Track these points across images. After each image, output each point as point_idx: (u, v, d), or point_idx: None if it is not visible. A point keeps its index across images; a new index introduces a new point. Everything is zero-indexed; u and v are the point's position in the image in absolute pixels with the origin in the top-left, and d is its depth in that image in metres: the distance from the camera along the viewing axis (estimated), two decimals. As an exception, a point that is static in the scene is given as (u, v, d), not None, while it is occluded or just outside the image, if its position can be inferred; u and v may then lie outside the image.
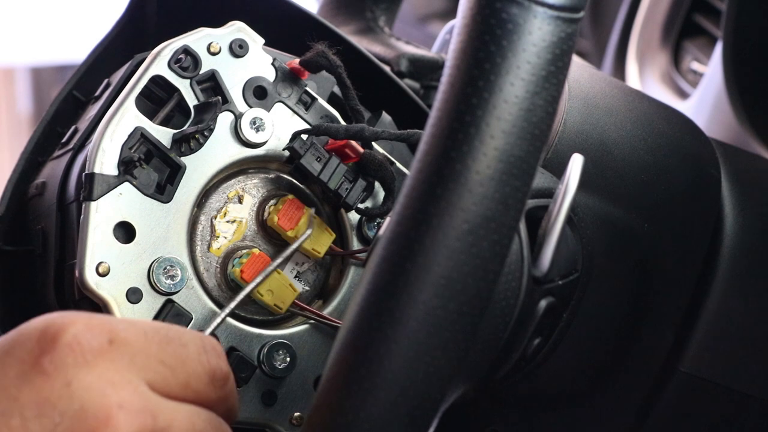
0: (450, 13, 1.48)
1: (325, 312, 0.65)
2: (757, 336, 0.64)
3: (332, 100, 0.67)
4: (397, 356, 0.46)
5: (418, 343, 0.46)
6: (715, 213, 0.64)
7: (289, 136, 0.64)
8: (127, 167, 0.61)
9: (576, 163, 0.55)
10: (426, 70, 0.78)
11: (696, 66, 1.00)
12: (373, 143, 0.66)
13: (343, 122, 0.66)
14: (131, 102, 0.62)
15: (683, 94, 1.00)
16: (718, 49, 0.91)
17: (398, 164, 0.67)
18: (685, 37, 1.03)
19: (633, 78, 1.04)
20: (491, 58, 0.47)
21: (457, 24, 0.49)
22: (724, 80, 0.89)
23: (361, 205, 0.65)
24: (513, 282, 0.54)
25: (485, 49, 0.47)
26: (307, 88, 0.65)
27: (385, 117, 0.68)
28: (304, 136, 0.64)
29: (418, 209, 0.47)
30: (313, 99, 0.66)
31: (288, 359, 0.63)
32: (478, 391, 0.58)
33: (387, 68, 0.72)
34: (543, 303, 0.56)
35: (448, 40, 0.85)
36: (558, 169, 0.58)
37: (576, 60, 0.53)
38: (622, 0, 1.06)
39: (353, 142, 0.64)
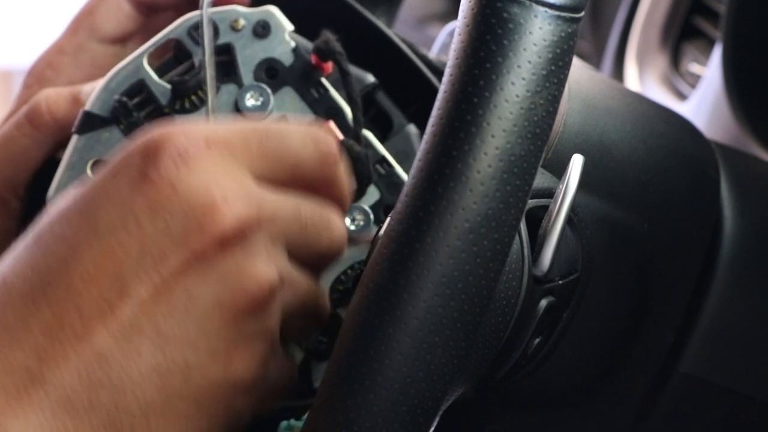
0: (449, 14, 1.48)
1: None
2: (756, 337, 0.64)
3: (367, 98, 0.67)
4: (399, 354, 0.46)
5: (420, 342, 0.46)
6: (715, 214, 0.64)
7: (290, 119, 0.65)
8: (118, 112, 0.64)
9: (576, 164, 0.55)
10: (426, 72, 0.78)
11: (695, 68, 1.00)
12: (368, 136, 0.66)
13: (350, 118, 0.66)
14: (143, 56, 0.64)
15: (682, 96, 1.01)
16: (717, 51, 0.91)
17: (396, 167, 0.66)
18: (684, 39, 1.03)
19: (632, 80, 1.04)
20: (492, 57, 0.47)
21: (458, 23, 0.49)
22: (723, 82, 0.89)
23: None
24: (514, 281, 0.54)
25: (486, 48, 0.47)
26: (323, 79, 0.66)
27: (411, 129, 0.68)
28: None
29: (420, 207, 0.47)
30: (326, 90, 0.66)
31: None
32: (478, 390, 0.58)
33: (418, 62, 0.71)
34: (543, 302, 0.56)
35: (447, 42, 0.85)
36: (558, 170, 0.58)
37: (576, 61, 0.53)
38: (621, 2, 1.06)
39: (334, 129, 0.64)
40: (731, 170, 0.66)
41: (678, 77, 1.02)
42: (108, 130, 0.63)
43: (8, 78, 2.93)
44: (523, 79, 0.47)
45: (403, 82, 0.69)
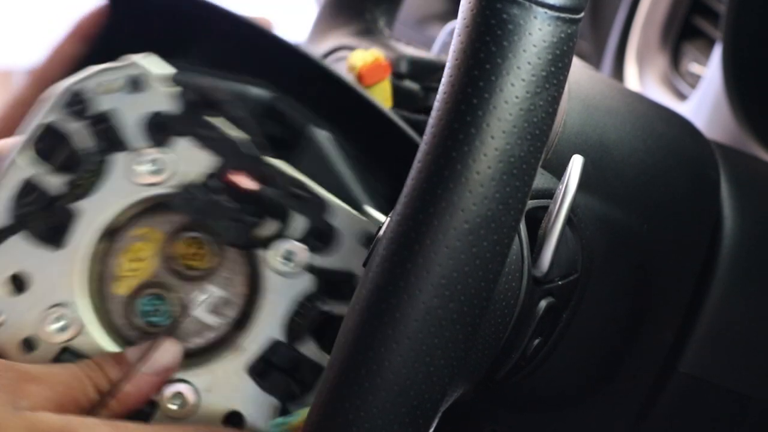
0: (449, 14, 1.48)
1: (241, 342, 0.61)
2: (756, 337, 0.64)
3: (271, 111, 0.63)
4: (398, 356, 0.46)
5: (419, 343, 0.46)
6: (714, 214, 0.64)
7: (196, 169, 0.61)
8: (19, 218, 0.60)
9: (576, 164, 0.55)
10: (426, 72, 0.78)
11: (695, 68, 1.00)
12: (275, 164, 0.61)
13: (255, 149, 0.61)
14: (25, 153, 0.61)
15: (682, 96, 1.00)
16: (717, 51, 0.91)
17: (314, 187, 0.61)
18: (684, 39, 1.03)
19: (632, 80, 1.04)
20: (492, 59, 0.47)
21: (458, 24, 0.49)
22: (723, 82, 0.89)
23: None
24: (513, 282, 0.54)
25: (486, 49, 0.47)
26: (208, 119, 0.61)
27: (319, 134, 0.63)
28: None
29: (419, 209, 0.47)
30: (215, 128, 0.61)
31: (185, 402, 0.61)
32: (478, 391, 0.58)
33: (368, 96, 0.66)
34: (543, 303, 0.56)
35: (447, 42, 0.85)
36: (558, 170, 0.58)
37: (575, 61, 0.53)
38: (621, 2, 1.06)
39: (240, 180, 0.61)
40: (731, 170, 0.66)
41: (678, 77, 1.02)
42: (13, 239, 0.60)
43: (8, 78, 2.93)
44: (523, 80, 0.47)
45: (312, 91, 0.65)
